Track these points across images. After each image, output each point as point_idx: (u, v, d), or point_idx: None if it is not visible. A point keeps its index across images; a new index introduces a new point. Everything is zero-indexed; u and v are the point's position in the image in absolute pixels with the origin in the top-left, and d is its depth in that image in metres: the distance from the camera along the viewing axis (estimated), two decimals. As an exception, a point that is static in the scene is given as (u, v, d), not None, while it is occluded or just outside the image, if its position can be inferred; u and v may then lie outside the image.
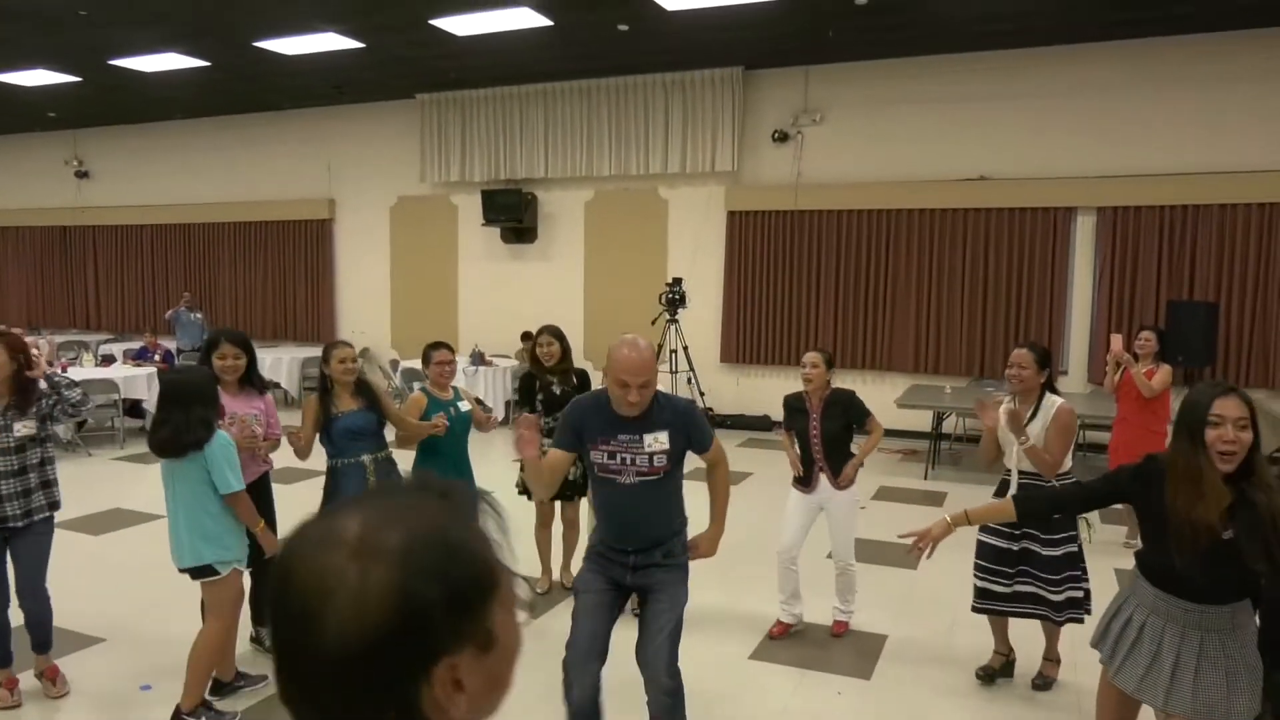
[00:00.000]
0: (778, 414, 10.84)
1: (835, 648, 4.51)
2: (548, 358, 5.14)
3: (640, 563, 3.07)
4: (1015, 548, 3.88)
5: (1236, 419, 2.38)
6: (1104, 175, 8.99)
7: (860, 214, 9.97)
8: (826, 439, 4.55)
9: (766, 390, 10.51)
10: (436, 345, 4.67)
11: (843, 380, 10.28)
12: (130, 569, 5.57)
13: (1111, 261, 9.05)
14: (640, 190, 11.09)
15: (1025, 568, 3.88)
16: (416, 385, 10.27)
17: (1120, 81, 8.88)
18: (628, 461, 2.99)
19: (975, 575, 4.03)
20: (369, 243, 12.81)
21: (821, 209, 10.12)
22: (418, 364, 10.68)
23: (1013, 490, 3.87)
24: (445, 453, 4.45)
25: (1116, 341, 6.28)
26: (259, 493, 4.09)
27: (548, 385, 5.11)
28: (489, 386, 10.39)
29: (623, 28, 8.70)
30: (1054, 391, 3.88)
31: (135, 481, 7.72)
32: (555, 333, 5.21)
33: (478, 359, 10.62)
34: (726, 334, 10.65)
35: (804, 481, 4.65)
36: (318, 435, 4.14)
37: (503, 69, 10.48)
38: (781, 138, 10.27)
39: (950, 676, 4.15)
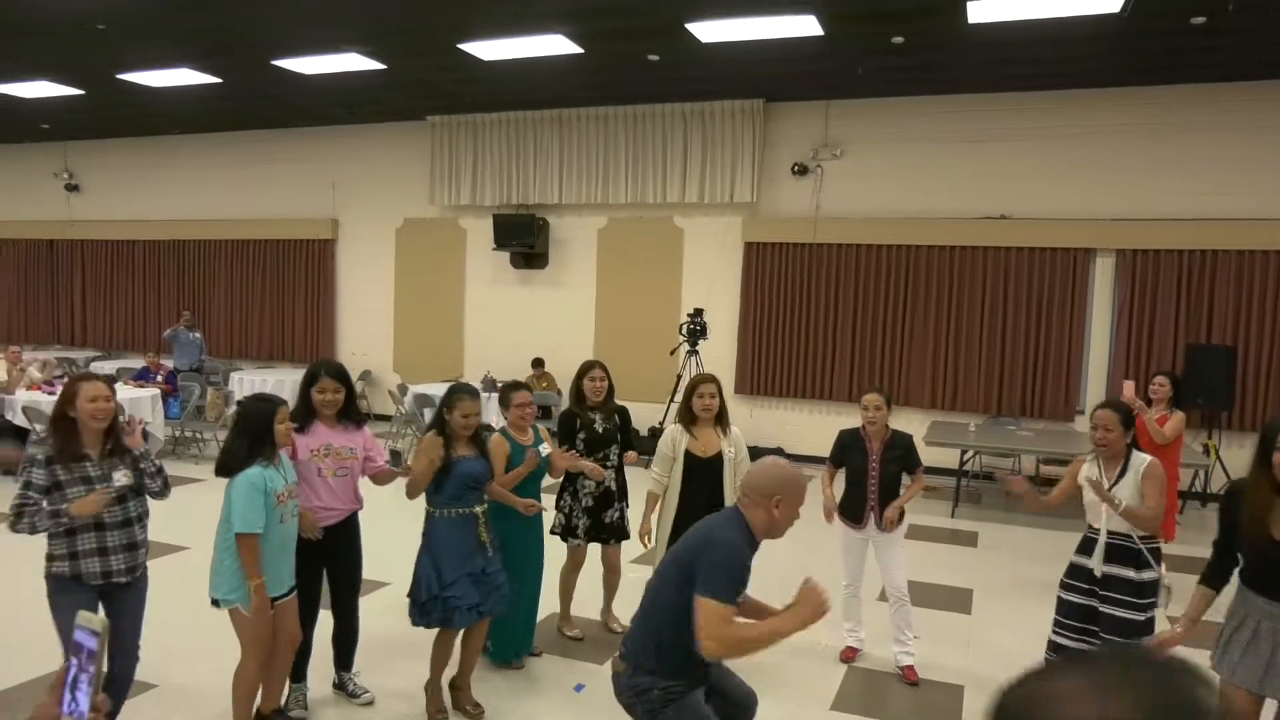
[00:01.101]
0: (792, 446, 10.93)
1: (915, 699, 4.42)
2: (595, 393, 4.86)
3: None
4: (1089, 604, 3.81)
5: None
6: (1123, 218, 9.11)
7: (879, 249, 10.00)
8: (884, 481, 4.56)
9: (781, 422, 10.47)
10: (516, 386, 4.52)
11: (855, 414, 10.32)
12: (166, 606, 5.31)
13: (1130, 303, 9.15)
14: (656, 219, 11.04)
15: (1094, 627, 3.82)
16: (430, 413, 10.11)
17: (1141, 126, 9.01)
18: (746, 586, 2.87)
19: (1054, 631, 3.95)
20: (373, 263, 12.62)
21: (840, 242, 10.14)
22: (425, 388, 10.58)
23: (1100, 551, 3.80)
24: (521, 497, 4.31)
25: (1128, 388, 6.34)
26: (342, 534, 3.94)
27: (590, 424, 4.82)
28: (498, 414, 10.21)
29: (653, 58, 8.68)
30: (1138, 449, 3.80)
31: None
32: (604, 368, 4.96)
33: (489, 385, 10.45)
34: (741, 366, 10.60)
35: (855, 519, 4.64)
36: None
37: (521, 94, 10.41)
38: (801, 170, 10.29)
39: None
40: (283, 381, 11.54)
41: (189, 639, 4.76)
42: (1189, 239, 8.89)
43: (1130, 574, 3.73)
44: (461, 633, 3.99)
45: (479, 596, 3.83)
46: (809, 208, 10.30)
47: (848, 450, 4.65)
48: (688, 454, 4.51)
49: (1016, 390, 9.55)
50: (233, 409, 10.86)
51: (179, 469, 9.23)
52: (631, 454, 4.96)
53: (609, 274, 11.33)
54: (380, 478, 4.10)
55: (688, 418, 4.56)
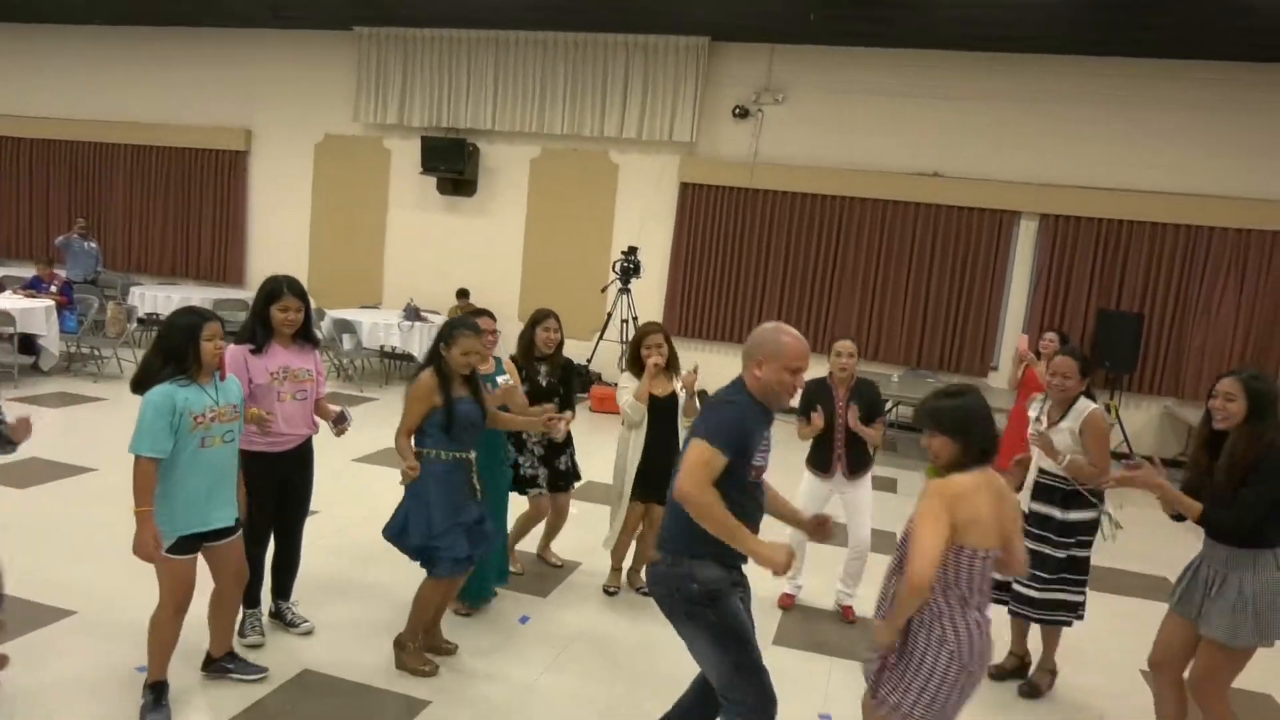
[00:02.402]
0: (715, 387, 10.92)
1: (852, 635, 4.56)
2: (547, 344, 4.63)
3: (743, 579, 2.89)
4: (1060, 555, 3.94)
5: (1226, 393, 3.10)
6: (1050, 184, 9.38)
7: (814, 198, 10.05)
8: (851, 430, 4.59)
9: (706, 364, 10.46)
10: (479, 313, 4.33)
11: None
12: (78, 530, 5.03)
13: (1049, 266, 9.48)
14: (591, 152, 10.80)
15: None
16: (348, 339, 9.74)
17: (1078, 95, 9.24)
18: (768, 456, 2.83)
19: (1014, 579, 4.10)
20: (289, 180, 11.99)
21: (776, 189, 10.14)
22: (343, 313, 10.19)
23: (1027, 485, 3.98)
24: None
25: (1023, 341, 6.71)
26: (296, 460, 3.75)
27: (534, 375, 4.61)
28: (422, 344, 9.95)
29: (601, -17, 8.39)
30: (1090, 398, 3.93)
31: (43, 427, 6.99)
32: (558, 319, 4.72)
33: (412, 314, 10.14)
34: (671, 306, 10.57)
35: (823, 468, 4.69)
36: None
37: (455, 9, 9.94)
38: (742, 114, 10.20)
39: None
40: (188, 299, 10.92)
41: (104, 565, 4.51)
42: (1108, 208, 9.23)
43: (1055, 513, 3.89)
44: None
45: (468, 548, 3.64)
46: (747, 152, 10.25)
47: (814, 400, 4.64)
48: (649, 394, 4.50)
49: (936, 344, 9.83)
50: (134, 325, 10.26)
51: (77, 387, 8.68)
52: (568, 416, 4.56)
53: (540, 206, 11.07)
54: (320, 409, 3.89)
55: (636, 367, 4.52)
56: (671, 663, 3.77)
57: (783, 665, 4.08)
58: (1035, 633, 4.21)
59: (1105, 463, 3.84)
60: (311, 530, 4.16)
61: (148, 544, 3.03)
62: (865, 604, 4.82)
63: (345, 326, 9.96)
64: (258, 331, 3.63)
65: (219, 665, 3.51)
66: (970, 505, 2.48)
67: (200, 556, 3.26)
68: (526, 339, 4.66)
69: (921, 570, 2.39)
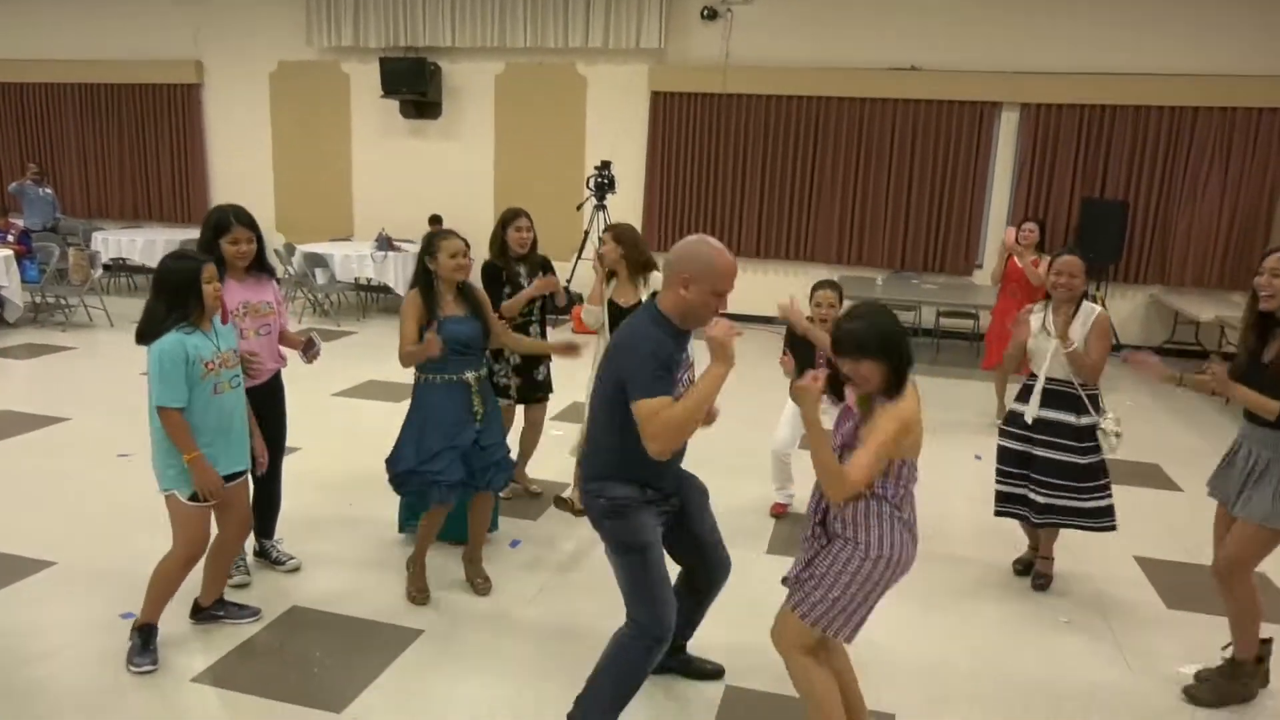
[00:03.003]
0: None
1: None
2: (520, 244, 4.51)
3: (674, 485, 2.84)
4: (1029, 450, 3.92)
5: (1272, 269, 2.99)
6: (1030, 71, 9.11)
7: (789, 100, 9.75)
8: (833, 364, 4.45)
9: (688, 280, 10.35)
10: (448, 234, 4.15)
11: (766, 269, 10.35)
12: (51, 481, 4.93)
13: (1031, 158, 9.28)
14: (557, 65, 10.42)
15: (1026, 471, 3.94)
16: (321, 274, 9.50)
17: (1053, -25, 8.91)
18: (684, 381, 2.74)
19: (997, 480, 4.08)
20: (245, 112, 11.55)
21: (750, 93, 9.83)
22: (314, 247, 9.94)
23: (1035, 398, 3.87)
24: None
25: (1009, 234, 6.54)
26: (265, 395, 3.61)
27: (515, 276, 4.50)
28: (398, 274, 9.75)
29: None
30: (1089, 298, 3.86)
31: (12, 380, 6.83)
32: (529, 217, 4.59)
33: (385, 244, 9.91)
34: (649, 221, 10.35)
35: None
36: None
37: (407, -80, 9.42)
38: (711, 15, 9.81)
39: (951, 566, 4.24)
40: (154, 242, 10.65)
41: (82, 515, 4.43)
42: (1090, 94, 8.99)
43: (1070, 419, 3.83)
44: (471, 506, 3.78)
45: (464, 472, 3.53)
46: (718, 55, 9.90)
47: (796, 341, 4.49)
48: (610, 302, 4.37)
49: (920, 245, 9.69)
50: (100, 271, 9.98)
51: (44, 337, 8.47)
52: (554, 283, 4.47)
53: (508, 125, 10.72)
54: (286, 339, 3.76)
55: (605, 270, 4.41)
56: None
57: (776, 573, 4.06)
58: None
59: (1103, 360, 3.78)
60: (292, 467, 4.07)
61: (213, 482, 3.05)
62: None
63: (317, 261, 9.72)
64: (213, 256, 3.46)
65: (208, 614, 3.44)
66: (917, 424, 2.47)
67: None
68: (498, 241, 4.51)
69: (856, 484, 2.38)
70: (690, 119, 10.07)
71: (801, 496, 4.89)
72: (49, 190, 10.89)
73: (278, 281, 3.75)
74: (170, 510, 3.09)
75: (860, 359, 2.43)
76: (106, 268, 10.47)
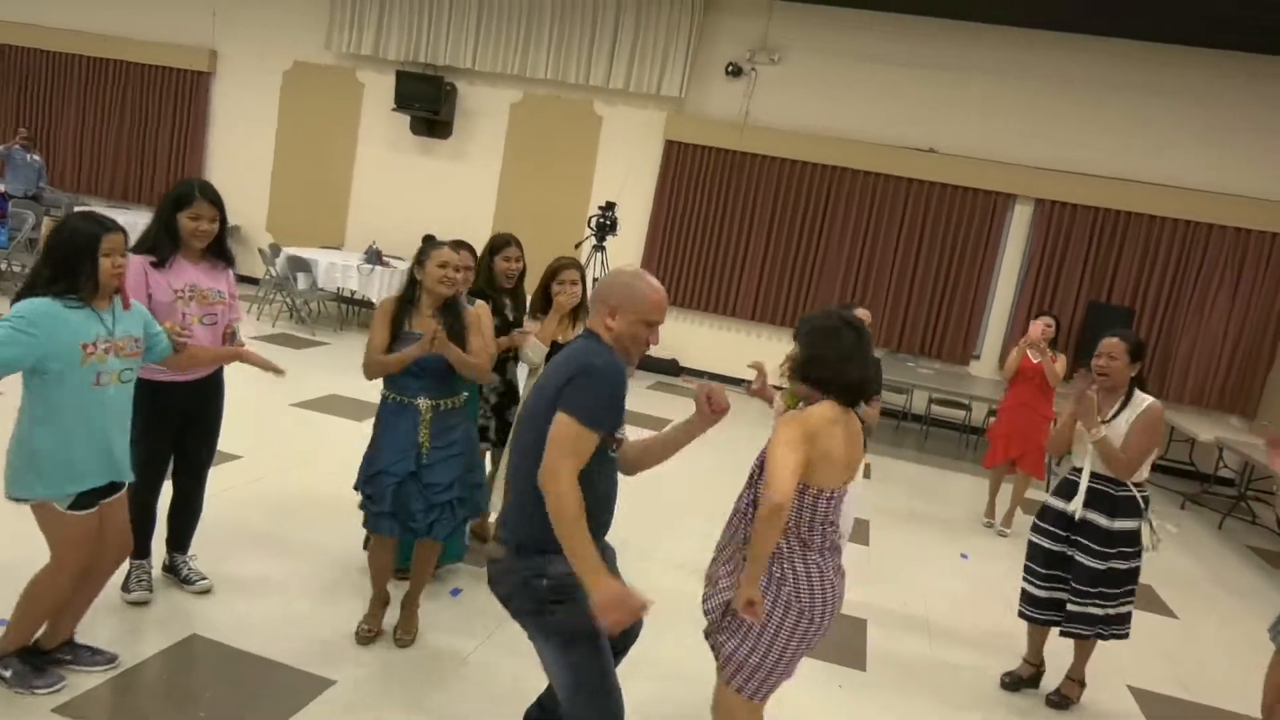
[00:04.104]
0: (687, 359, 10.61)
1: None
2: (509, 275, 4.17)
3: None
4: (1059, 550, 3.63)
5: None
6: (1047, 168, 8.98)
7: (804, 165, 9.58)
8: None
9: (680, 334, 10.10)
10: (457, 244, 3.78)
11: (760, 333, 10.08)
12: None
13: (1041, 254, 9.11)
14: (575, 101, 10.25)
15: (1060, 572, 3.63)
16: (303, 279, 9.19)
17: (1081, 77, 8.83)
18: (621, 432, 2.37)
19: (1024, 579, 3.76)
20: (254, 107, 11.31)
21: (766, 154, 9.66)
22: (300, 251, 9.62)
23: (1081, 493, 3.56)
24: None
25: (1036, 327, 6.10)
26: (201, 391, 3.26)
27: (501, 308, 4.14)
28: (382, 289, 9.42)
29: (597, -85, 7.81)
30: (1144, 389, 3.53)
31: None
32: (520, 246, 4.23)
33: (374, 257, 9.60)
34: (647, 268, 10.05)
35: None
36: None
37: (442, -63, 9.31)
38: (735, 72, 9.69)
39: (944, 674, 3.89)
40: (136, 224, 10.19)
41: None
42: (1105, 197, 8.85)
43: (1102, 520, 3.52)
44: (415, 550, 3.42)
45: (392, 504, 3.17)
46: (738, 112, 9.75)
47: None
48: (555, 344, 3.88)
49: (919, 328, 9.46)
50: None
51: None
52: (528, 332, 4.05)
53: (518, 154, 10.51)
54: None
55: (543, 306, 3.95)
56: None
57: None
58: (1061, 646, 3.86)
59: (1138, 457, 3.44)
60: (227, 476, 3.71)
61: None
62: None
63: (300, 265, 9.39)
64: (162, 240, 3.12)
65: (52, 657, 2.83)
66: (826, 439, 2.26)
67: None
68: (485, 268, 4.15)
69: (781, 488, 2.14)
70: (702, 171, 9.88)
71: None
72: (37, 157, 10.56)
73: (230, 265, 3.37)
74: (41, 519, 2.64)
75: (796, 339, 2.42)
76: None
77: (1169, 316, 8.88)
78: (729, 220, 9.85)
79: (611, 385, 2.19)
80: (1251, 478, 8.00)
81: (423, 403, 3.22)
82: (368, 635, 3.37)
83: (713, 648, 2.44)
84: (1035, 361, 5.89)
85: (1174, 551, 6.40)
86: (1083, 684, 3.77)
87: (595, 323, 2.29)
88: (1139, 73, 8.70)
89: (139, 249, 3.11)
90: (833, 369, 2.32)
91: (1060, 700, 3.74)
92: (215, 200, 3.17)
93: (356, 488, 3.30)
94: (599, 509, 2.24)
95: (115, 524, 2.82)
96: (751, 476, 2.43)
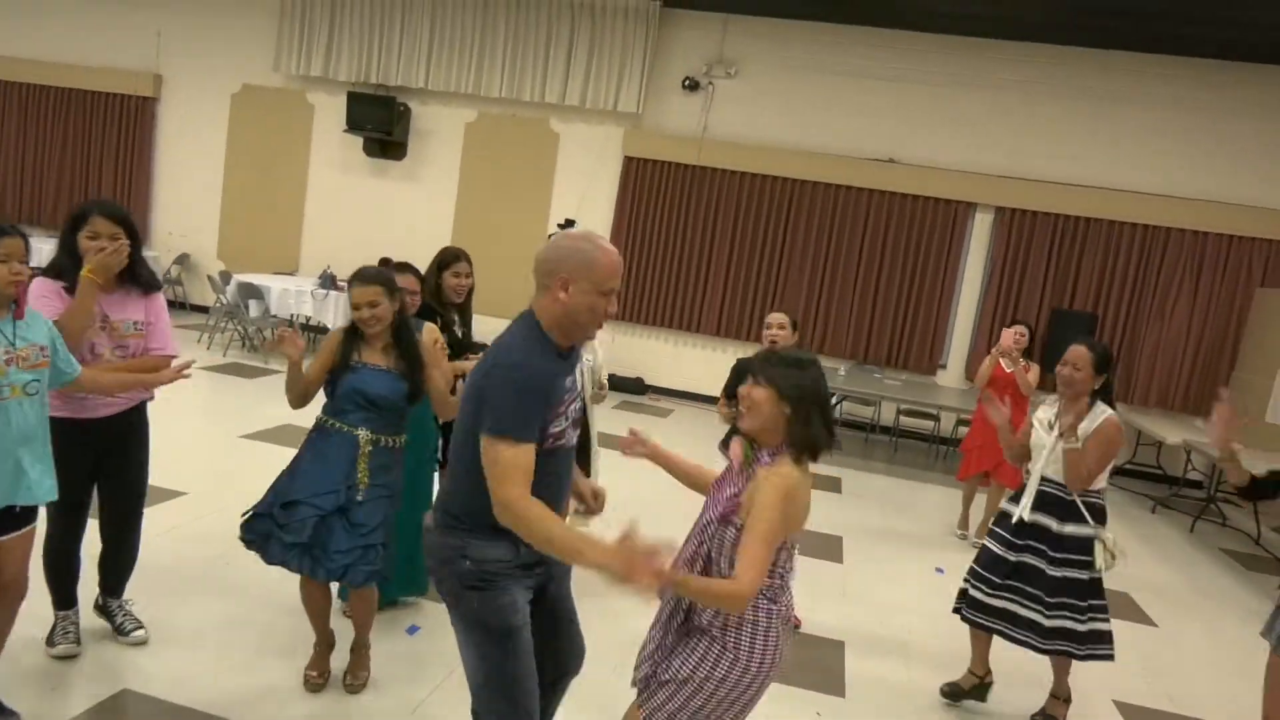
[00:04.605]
0: (652, 377, 10.46)
1: (797, 655, 4.00)
2: (458, 292, 4.03)
3: (542, 563, 2.23)
4: (1013, 558, 3.50)
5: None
6: (1007, 175, 8.99)
7: (764, 179, 9.52)
8: None
9: (644, 351, 9.96)
10: (403, 267, 3.60)
11: (725, 348, 9.96)
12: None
13: (1003, 262, 9.10)
14: (531, 119, 10.11)
15: (1017, 584, 3.50)
16: (255, 306, 8.91)
17: (1039, 85, 8.87)
18: (572, 414, 2.18)
19: (965, 579, 3.64)
20: (201, 132, 11.03)
21: (724, 168, 9.58)
22: (251, 278, 9.34)
23: (1028, 498, 3.47)
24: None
25: (1009, 336, 6.00)
26: (120, 429, 3.03)
27: (450, 324, 4.00)
28: (337, 315, 9.17)
29: (548, -70, 7.71)
30: (1108, 402, 3.43)
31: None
32: (470, 261, 4.09)
33: (328, 282, 9.35)
34: (609, 288, 9.93)
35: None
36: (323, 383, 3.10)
37: (391, -45, 9.15)
38: (692, 86, 9.61)
39: (925, 698, 3.73)
40: (80, 254, 9.94)
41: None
42: (1065, 204, 8.88)
43: (1051, 524, 3.42)
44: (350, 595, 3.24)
45: (309, 536, 2.93)
46: (696, 127, 9.67)
47: (743, 378, 4.09)
48: None
49: (885, 339, 9.40)
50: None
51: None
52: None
53: (474, 174, 10.34)
54: (150, 366, 3.02)
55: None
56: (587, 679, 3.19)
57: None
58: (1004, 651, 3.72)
59: (1096, 468, 3.35)
60: (170, 515, 3.47)
61: None
62: (811, 612, 4.31)
63: (252, 291, 9.12)
64: (65, 265, 2.88)
65: None
66: (803, 495, 2.08)
67: None
68: (433, 285, 3.96)
69: (753, 584, 1.96)
70: (662, 187, 9.78)
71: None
72: (-26, 189, 10.19)
73: (149, 292, 3.08)
74: None
75: (758, 384, 2.08)
76: (25, 277, 9.73)
77: (1131, 320, 8.90)
78: (690, 235, 9.75)
79: (523, 387, 2.01)
80: (1220, 479, 8.00)
81: (363, 434, 3.02)
82: (317, 683, 3.16)
83: (640, 693, 2.22)
84: (1008, 371, 5.81)
85: (1148, 558, 6.34)
86: (1068, 700, 3.64)
87: (543, 299, 2.10)
88: (1094, 79, 8.76)
89: (48, 273, 2.89)
90: (823, 436, 2.10)
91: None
92: (115, 217, 2.91)
93: (257, 514, 3.02)
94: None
95: (16, 561, 2.57)
96: (702, 530, 2.16)
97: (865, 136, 9.28)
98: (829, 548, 5.50)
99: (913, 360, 9.36)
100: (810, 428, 2.07)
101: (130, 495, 3.15)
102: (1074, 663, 3.50)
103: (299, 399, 3.09)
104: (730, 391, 4.13)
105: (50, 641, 3.08)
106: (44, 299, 2.79)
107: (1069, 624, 3.41)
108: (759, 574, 1.97)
